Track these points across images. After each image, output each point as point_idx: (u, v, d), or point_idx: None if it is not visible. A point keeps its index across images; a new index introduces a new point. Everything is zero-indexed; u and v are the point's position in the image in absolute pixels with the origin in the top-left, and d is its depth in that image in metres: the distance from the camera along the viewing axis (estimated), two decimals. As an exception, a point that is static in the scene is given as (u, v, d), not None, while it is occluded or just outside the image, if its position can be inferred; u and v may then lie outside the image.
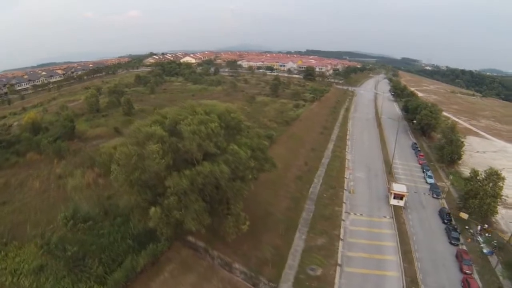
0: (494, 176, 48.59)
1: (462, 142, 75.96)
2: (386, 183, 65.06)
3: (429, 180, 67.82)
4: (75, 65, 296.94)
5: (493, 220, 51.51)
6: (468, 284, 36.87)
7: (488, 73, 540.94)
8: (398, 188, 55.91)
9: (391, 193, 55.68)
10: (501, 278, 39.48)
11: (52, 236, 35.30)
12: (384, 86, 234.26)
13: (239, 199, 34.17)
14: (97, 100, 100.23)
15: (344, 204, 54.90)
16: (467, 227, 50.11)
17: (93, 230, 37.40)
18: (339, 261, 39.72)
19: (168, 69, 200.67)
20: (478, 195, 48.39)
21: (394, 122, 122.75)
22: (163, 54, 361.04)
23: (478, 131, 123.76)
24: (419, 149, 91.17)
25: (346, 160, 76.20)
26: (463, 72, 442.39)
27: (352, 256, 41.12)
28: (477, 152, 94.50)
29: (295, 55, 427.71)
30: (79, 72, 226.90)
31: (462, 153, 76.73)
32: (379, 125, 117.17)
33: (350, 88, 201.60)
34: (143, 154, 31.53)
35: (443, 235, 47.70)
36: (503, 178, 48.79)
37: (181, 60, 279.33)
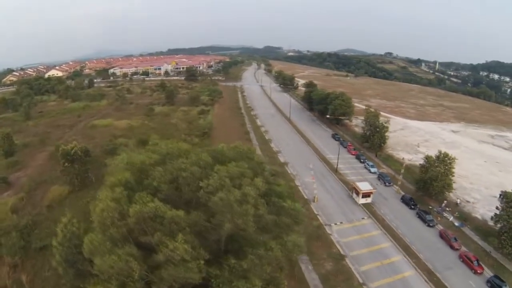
0: (446, 158, 61.35)
1: (387, 127, 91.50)
2: (339, 181, 73.05)
3: (373, 170, 79.53)
4: None
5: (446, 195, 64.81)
6: (468, 258, 46.18)
7: (349, 53, 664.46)
8: (364, 187, 63.34)
9: (358, 193, 62.63)
10: (479, 243, 51.17)
11: None
12: (264, 78, 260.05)
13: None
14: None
15: (318, 217, 58.65)
16: (430, 207, 61.69)
17: None
18: (360, 280, 42.75)
19: (37, 86, 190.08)
20: (437, 177, 60.04)
21: (302, 114, 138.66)
22: (22, 69, 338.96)
23: (377, 111, 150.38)
24: (341, 139, 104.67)
25: (284, 165, 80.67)
26: (329, 54, 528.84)
27: (366, 270, 44.75)
28: (389, 132, 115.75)
29: (162, 56, 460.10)
30: None
31: (387, 137, 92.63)
32: (289, 120, 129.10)
33: (235, 84, 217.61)
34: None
35: (418, 220, 57.38)
36: (454, 158, 62.24)
37: (47, 75, 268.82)
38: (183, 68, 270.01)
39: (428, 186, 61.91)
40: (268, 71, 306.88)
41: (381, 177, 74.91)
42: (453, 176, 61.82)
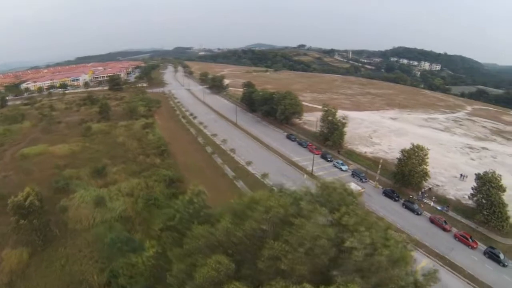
0: (420, 151, 71.60)
1: (345, 123, 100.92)
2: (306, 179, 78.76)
3: (344, 168, 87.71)
4: None
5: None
6: (463, 237, 55.92)
7: (260, 48, 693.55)
8: (353, 187, 69.95)
9: (348, 193, 69.09)
10: (463, 221, 62.07)
11: None
12: (187, 80, 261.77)
13: None
14: None
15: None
16: (411, 196, 71.37)
17: None
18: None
19: None
20: (416, 168, 70.13)
21: (245, 116, 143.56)
22: None
23: (315, 105, 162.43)
24: (297, 139, 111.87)
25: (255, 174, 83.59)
26: (244, 51, 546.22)
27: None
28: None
29: (74, 66, 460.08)
30: None
31: (345, 133, 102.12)
32: (236, 124, 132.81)
33: (163, 90, 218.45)
34: None
35: (406, 211, 66.25)
36: (428, 149, 73.01)
37: None
38: (103, 77, 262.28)
39: (407, 178, 71.43)
40: (189, 73, 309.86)
41: (355, 174, 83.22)
42: (427, 165, 72.38)
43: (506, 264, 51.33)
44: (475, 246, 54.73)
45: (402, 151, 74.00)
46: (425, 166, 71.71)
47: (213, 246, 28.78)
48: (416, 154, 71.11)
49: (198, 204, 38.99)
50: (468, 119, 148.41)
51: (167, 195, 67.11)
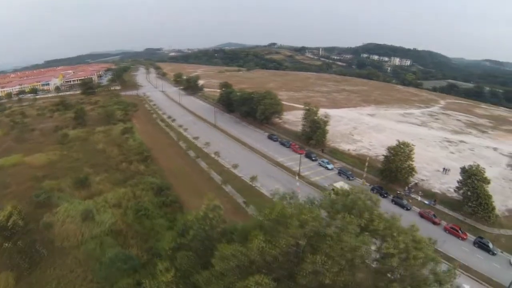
0: (406, 147, 74.31)
1: (327, 122, 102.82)
2: (309, 185, 79.64)
3: (330, 166, 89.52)
4: None
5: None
6: (453, 229, 58.81)
7: (230, 47, 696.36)
8: (345, 187, 71.53)
9: (339, 193, 70.64)
10: (450, 214, 65.52)
11: None
12: (160, 82, 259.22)
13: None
14: None
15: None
16: (398, 192, 73.83)
17: None
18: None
19: None
20: (403, 165, 72.80)
21: (223, 117, 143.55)
22: None
23: (292, 104, 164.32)
24: (279, 139, 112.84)
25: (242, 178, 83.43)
26: (215, 51, 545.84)
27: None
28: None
29: (43, 70, 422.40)
30: None
31: (327, 131, 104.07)
32: (215, 126, 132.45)
33: (137, 93, 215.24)
34: None
35: (396, 207, 68.21)
36: (413, 146, 75.96)
37: None
38: (74, 81, 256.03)
39: (394, 174, 73.88)
40: (162, 74, 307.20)
41: (341, 172, 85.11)
42: (413, 161, 75.11)
43: (495, 252, 54.58)
44: (465, 237, 57.63)
45: (389, 148, 76.42)
46: (411, 162, 74.40)
47: (245, 267, 28.22)
48: (402, 150, 73.59)
49: (215, 220, 37.66)
50: (443, 113, 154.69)
51: (157, 204, 65.32)
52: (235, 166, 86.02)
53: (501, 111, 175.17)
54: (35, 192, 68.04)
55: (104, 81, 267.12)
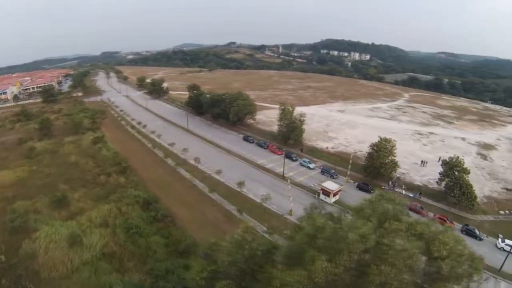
0: (388, 143, 77.24)
1: (303, 121, 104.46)
2: (296, 187, 79.72)
3: (312, 166, 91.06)
4: None
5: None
6: (441, 219, 61.62)
7: (188, 48, 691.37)
8: (332, 186, 72.42)
9: (329, 193, 71.35)
10: (434, 204, 69.24)
11: None
12: (123, 86, 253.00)
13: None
14: None
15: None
16: (383, 187, 76.48)
17: None
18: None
19: None
20: (386, 160, 75.75)
21: (194, 120, 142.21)
22: None
23: (261, 103, 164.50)
24: (255, 140, 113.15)
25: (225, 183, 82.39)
26: (175, 52, 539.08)
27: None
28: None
29: None
30: None
31: (303, 130, 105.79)
32: (187, 129, 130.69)
33: (101, 99, 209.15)
34: None
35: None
36: (395, 141, 79.12)
37: None
38: (33, 88, 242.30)
39: (378, 170, 76.62)
40: (124, 78, 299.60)
41: (324, 171, 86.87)
42: (395, 156, 78.24)
43: (481, 238, 58.43)
44: (452, 226, 60.77)
45: (372, 144, 79.06)
46: (393, 157, 77.45)
47: None
48: (384, 146, 76.42)
49: (254, 243, 36.12)
50: (408, 106, 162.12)
51: (147, 219, 62.08)
52: (218, 172, 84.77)
53: (462, 102, 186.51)
54: (9, 216, 61.46)
55: (65, 87, 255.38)
